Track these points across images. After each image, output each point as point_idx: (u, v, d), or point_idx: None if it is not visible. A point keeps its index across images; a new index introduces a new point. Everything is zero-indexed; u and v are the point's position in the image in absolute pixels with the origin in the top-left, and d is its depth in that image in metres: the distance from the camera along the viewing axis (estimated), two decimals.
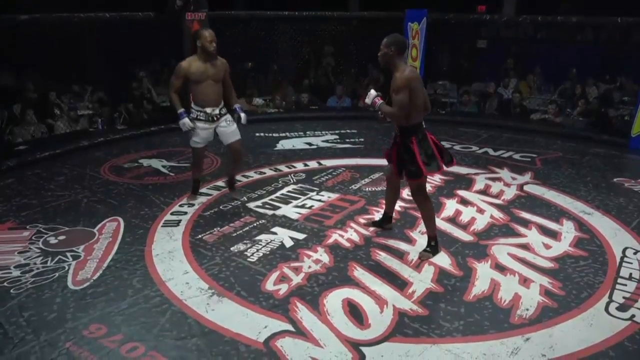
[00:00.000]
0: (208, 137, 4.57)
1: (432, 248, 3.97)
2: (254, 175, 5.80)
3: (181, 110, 4.39)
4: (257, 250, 4.05)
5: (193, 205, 4.87)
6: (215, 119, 4.48)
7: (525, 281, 3.66)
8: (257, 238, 4.25)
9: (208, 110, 4.43)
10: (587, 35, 9.21)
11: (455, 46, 9.81)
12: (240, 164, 4.90)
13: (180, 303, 3.34)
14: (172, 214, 4.72)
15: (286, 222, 4.56)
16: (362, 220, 4.56)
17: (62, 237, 4.24)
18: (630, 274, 3.77)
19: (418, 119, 3.69)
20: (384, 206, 4.42)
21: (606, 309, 3.34)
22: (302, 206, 4.92)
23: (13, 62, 7.67)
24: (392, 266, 3.83)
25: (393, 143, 3.90)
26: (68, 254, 3.95)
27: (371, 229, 4.43)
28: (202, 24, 7.46)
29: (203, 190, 5.23)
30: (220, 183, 5.37)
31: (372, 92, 3.76)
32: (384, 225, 4.39)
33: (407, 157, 3.71)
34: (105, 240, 4.20)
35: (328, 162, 6.25)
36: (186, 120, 4.42)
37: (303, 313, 3.25)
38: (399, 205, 4.65)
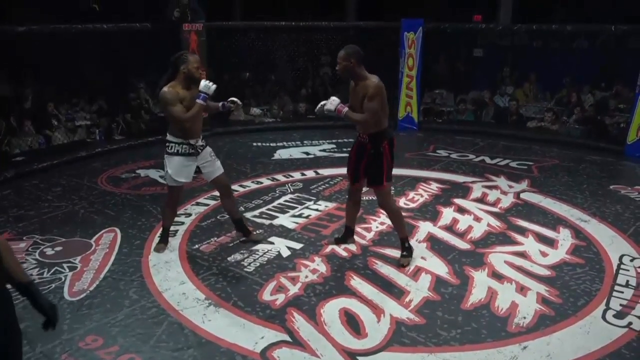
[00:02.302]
0: (190, 174, 3.97)
1: (408, 250, 4.00)
2: (251, 185, 5.81)
3: (201, 95, 3.72)
4: (254, 260, 4.04)
5: (170, 241, 4.31)
6: (199, 150, 3.91)
7: (522, 289, 3.66)
8: (254, 248, 4.25)
9: (192, 141, 3.86)
10: (582, 43, 9.26)
11: (452, 55, 9.85)
12: (233, 198, 4.35)
13: (176, 314, 3.34)
14: None
15: (283, 232, 4.56)
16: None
17: (58, 248, 4.24)
18: (627, 281, 3.77)
19: (386, 123, 3.77)
20: (378, 216, 4.42)
21: (603, 317, 3.34)
22: (299, 216, 4.92)
23: (11, 74, 7.69)
24: (388, 275, 3.83)
25: (357, 150, 3.87)
26: (64, 265, 3.94)
27: (368, 237, 4.43)
28: (199, 34, 7.51)
29: (200, 200, 5.23)
30: (218, 193, 5.35)
31: (335, 98, 3.73)
32: (347, 240, 4.30)
33: (375, 163, 3.76)
34: (102, 251, 4.20)
35: (325, 172, 6.26)
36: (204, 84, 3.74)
37: (300, 323, 3.24)
38: None
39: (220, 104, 4.06)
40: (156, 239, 4.34)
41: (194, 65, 3.72)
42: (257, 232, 4.54)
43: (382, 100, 3.66)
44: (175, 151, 3.85)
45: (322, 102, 3.79)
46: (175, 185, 3.96)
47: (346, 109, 3.69)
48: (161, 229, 4.29)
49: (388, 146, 3.76)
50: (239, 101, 4.11)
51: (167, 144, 3.88)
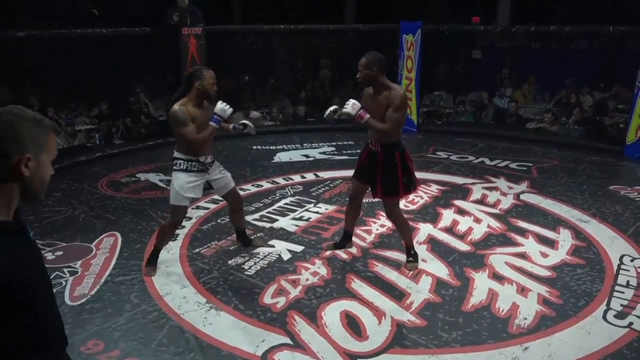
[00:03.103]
0: (197, 192, 3.79)
1: (414, 256, 3.99)
2: (251, 188, 5.82)
3: (214, 117, 3.62)
4: (255, 264, 4.05)
5: (153, 275, 3.92)
6: (208, 167, 3.77)
7: (523, 290, 3.66)
8: (255, 251, 4.25)
9: (201, 159, 3.70)
10: (582, 43, 9.28)
11: (451, 57, 9.87)
12: (242, 211, 4.25)
13: (177, 317, 3.34)
14: None
15: (284, 235, 4.57)
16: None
17: (59, 253, 4.24)
18: (628, 281, 3.78)
19: (400, 134, 3.72)
20: (378, 219, 4.41)
21: (604, 317, 3.35)
22: (300, 218, 4.93)
23: (11, 79, 7.70)
24: (389, 277, 3.83)
25: (368, 159, 3.80)
26: (65, 270, 3.94)
27: (369, 239, 4.43)
28: (198, 38, 7.52)
29: (201, 203, 5.23)
30: (218, 196, 5.36)
31: (356, 102, 3.59)
32: (345, 245, 4.26)
33: (388, 175, 3.69)
34: (103, 255, 4.20)
35: (325, 174, 6.27)
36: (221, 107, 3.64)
37: (301, 326, 3.24)
38: None
39: (231, 126, 3.94)
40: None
41: (209, 81, 3.54)
42: (258, 235, 4.54)
43: (405, 111, 3.63)
44: (185, 168, 3.68)
45: (334, 107, 3.68)
46: (181, 204, 3.72)
47: (368, 115, 3.56)
48: (152, 250, 3.97)
49: (400, 157, 3.68)
50: (250, 124, 3.96)
51: (175, 161, 3.70)
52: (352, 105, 3.59)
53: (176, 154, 3.71)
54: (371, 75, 3.53)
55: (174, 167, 3.71)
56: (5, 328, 1.21)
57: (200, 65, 3.73)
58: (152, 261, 3.95)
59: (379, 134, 3.65)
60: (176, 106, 3.52)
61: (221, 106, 3.60)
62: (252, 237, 4.41)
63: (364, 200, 5.22)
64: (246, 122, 3.97)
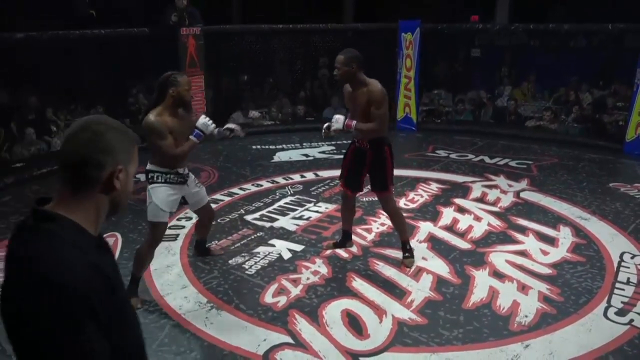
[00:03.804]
0: (175, 206, 3.58)
1: (409, 252, 4.00)
2: (251, 187, 5.81)
3: (195, 131, 3.47)
4: (255, 263, 4.05)
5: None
6: (186, 179, 3.57)
7: (523, 288, 3.66)
8: (255, 250, 4.26)
9: (180, 170, 3.51)
10: (580, 41, 9.29)
11: (450, 55, 9.88)
12: (211, 225, 4.12)
13: (178, 317, 3.34)
14: (169, 228, 4.69)
15: (284, 234, 4.57)
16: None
17: None
18: (628, 278, 3.78)
19: (386, 129, 3.73)
20: (378, 217, 4.40)
21: (605, 314, 3.35)
22: (300, 218, 4.93)
23: (10, 79, 7.69)
24: (390, 275, 3.83)
25: (354, 158, 3.84)
26: None
27: (369, 238, 4.43)
28: (197, 38, 7.52)
29: None
30: (219, 196, 5.38)
31: (339, 116, 3.72)
32: (346, 244, 4.27)
33: (379, 170, 3.73)
34: None
35: (325, 173, 6.27)
36: (223, 128, 3.67)
37: (302, 325, 3.24)
38: None
39: (216, 130, 3.64)
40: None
41: (184, 87, 3.35)
42: (257, 234, 4.54)
43: (387, 105, 3.64)
44: (163, 180, 3.47)
45: (326, 125, 3.77)
46: (161, 220, 3.48)
47: (355, 122, 3.62)
48: (130, 278, 3.49)
49: (389, 151, 3.74)
50: (236, 127, 3.77)
51: (151, 175, 3.47)
52: (337, 120, 3.69)
53: (151, 167, 3.48)
54: (351, 72, 3.55)
55: (150, 181, 3.49)
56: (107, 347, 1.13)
57: (173, 71, 3.51)
58: (133, 291, 3.50)
59: (369, 134, 3.67)
60: (152, 116, 3.31)
61: (204, 121, 3.47)
62: (211, 249, 4.24)
63: (365, 199, 5.23)
64: (231, 126, 3.79)
